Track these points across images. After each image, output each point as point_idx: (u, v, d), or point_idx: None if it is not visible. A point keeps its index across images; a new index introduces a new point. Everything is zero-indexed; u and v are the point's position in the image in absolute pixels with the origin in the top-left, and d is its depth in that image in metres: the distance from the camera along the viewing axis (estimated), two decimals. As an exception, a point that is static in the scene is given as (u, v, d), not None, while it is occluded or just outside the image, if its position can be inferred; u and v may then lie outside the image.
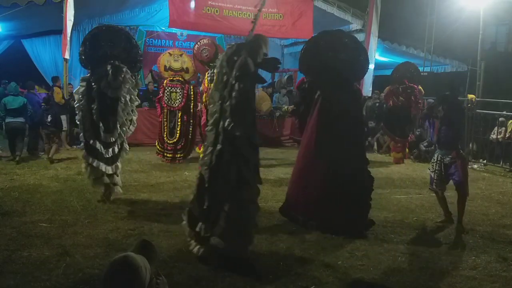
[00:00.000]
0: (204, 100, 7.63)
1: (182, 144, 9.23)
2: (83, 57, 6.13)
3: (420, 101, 10.26)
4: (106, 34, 6.16)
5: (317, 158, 5.19)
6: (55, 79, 10.72)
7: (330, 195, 5.05)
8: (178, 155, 9.23)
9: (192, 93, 9.22)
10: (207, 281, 3.77)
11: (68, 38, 10.35)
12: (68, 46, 10.47)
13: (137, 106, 6.10)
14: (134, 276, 2.08)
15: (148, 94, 12.70)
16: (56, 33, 11.71)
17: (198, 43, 7.96)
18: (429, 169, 5.72)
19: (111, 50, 6.01)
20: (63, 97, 10.38)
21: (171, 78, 9.22)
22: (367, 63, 5.61)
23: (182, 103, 9.13)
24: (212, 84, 7.36)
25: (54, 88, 10.35)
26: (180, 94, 9.11)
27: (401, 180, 8.26)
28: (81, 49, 6.18)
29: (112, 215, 5.46)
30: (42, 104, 9.40)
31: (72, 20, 10.21)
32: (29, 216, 5.31)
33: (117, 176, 6.18)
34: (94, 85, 5.88)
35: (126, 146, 6.31)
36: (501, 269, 4.29)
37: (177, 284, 3.65)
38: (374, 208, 5.83)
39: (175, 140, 9.20)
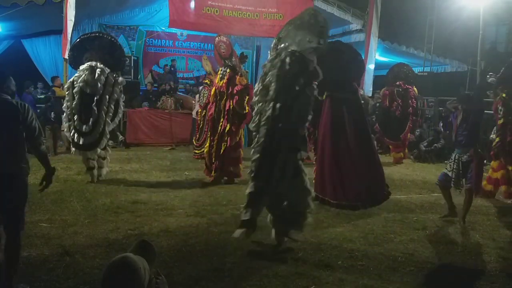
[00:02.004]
0: (212, 95, 7.74)
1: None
2: (72, 60, 7.40)
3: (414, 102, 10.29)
4: (91, 40, 7.28)
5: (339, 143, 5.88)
6: (54, 79, 10.71)
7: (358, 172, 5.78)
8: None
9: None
10: (207, 281, 3.77)
11: (69, 38, 10.34)
12: (68, 46, 10.43)
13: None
14: (133, 277, 2.08)
15: (148, 94, 12.72)
16: (56, 33, 11.71)
17: (219, 37, 8.10)
18: (446, 169, 5.78)
19: (96, 53, 7.08)
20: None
21: (206, 80, 9.88)
22: (363, 62, 6.41)
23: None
24: (222, 82, 7.41)
25: (53, 89, 10.35)
26: (207, 96, 9.53)
27: (401, 180, 8.26)
28: (69, 54, 7.43)
29: (112, 215, 5.46)
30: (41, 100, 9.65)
31: (73, 20, 10.21)
32: (29, 216, 5.26)
33: (103, 159, 7.28)
34: (75, 83, 6.95)
35: (107, 133, 7.14)
36: (501, 269, 4.29)
37: (177, 284, 3.65)
38: (374, 208, 5.86)
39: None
